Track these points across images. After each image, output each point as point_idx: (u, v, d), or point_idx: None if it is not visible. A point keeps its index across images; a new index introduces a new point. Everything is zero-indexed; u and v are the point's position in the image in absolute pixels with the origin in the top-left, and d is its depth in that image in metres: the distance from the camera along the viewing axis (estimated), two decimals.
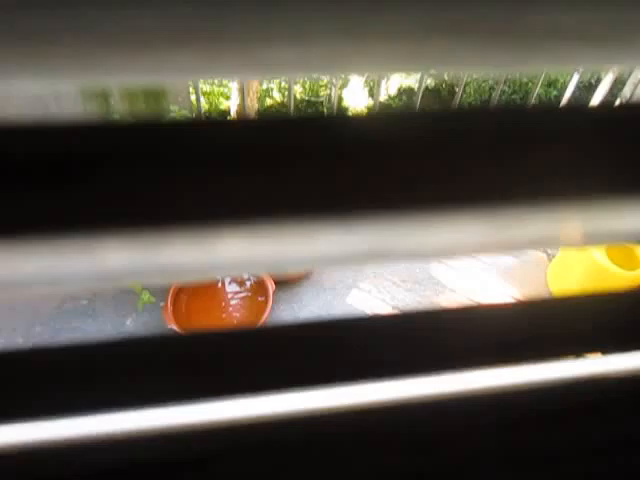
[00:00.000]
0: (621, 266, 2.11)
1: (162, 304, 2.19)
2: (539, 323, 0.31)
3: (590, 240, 0.26)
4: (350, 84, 5.05)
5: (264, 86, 4.83)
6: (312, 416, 0.32)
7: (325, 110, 4.79)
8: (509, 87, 4.70)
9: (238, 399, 0.28)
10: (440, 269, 2.52)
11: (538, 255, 2.61)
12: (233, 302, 2.32)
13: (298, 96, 4.90)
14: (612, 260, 2.14)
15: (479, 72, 0.21)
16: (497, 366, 0.30)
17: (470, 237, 0.24)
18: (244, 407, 0.30)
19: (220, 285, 2.38)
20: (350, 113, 0.25)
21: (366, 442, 0.33)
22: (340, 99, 4.89)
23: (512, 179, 0.24)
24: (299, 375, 0.27)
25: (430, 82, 4.81)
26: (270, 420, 0.30)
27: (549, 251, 2.60)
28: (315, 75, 0.20)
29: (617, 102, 0.25)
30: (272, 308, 2.11)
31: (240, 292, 2.35)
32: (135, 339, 0.27)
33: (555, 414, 0.37)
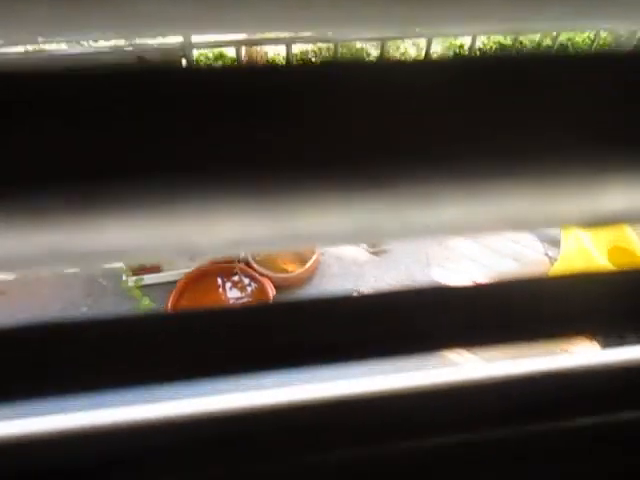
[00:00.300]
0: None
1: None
2: (537, 301, 0.30)
3: (593, 221, 0.25)
4: None
5: None
6: (285, 408, 0.31)
7: None
8: None
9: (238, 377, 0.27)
10: (442, 273, 2.51)
11: (539, 258, 2.60)
12: None
13: None
14: (613, 263, 2.14)
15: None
16: (493, 345, 0.29)
17: (458, 214, 0.22)
18: (202, 403, 0.30)
19: (221, 291, 2.38)
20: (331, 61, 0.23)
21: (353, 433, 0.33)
22: None
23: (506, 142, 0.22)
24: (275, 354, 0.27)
25: None
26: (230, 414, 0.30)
27: (550, 254, 2.60)
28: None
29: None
30: None
31: (241, 297, 2.35)
32: (133, 317, 0.26)
33: (551, 406, 0.36)
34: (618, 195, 0.23)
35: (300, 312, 0.27)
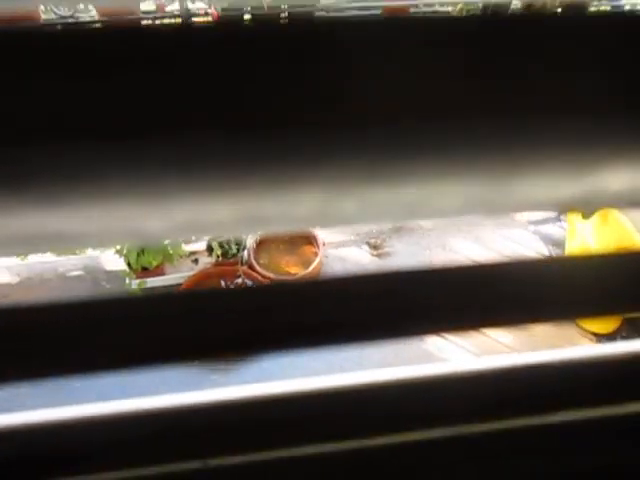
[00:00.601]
0: None
1: None
2: (550, 281, 0.29)
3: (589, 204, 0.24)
4: None
5: None
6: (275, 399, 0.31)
7: None
8: None
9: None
10: None
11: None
12: None
13: None
14: None
15: None
16: (508, 324, 0.28)
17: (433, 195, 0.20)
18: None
19: None
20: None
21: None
22: None
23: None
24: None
25: None
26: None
27: (554, 255, 2.58)
28: None
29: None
30: None
31: None
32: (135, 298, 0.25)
33: (545, 399, 0.36)
34: (599, 178, 0.22)
35: (299, 294, 0.27)
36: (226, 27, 0.18)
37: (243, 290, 0.29)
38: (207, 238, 2.37)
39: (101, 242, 0.21)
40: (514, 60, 0.20)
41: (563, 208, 0.23)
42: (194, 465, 0.30)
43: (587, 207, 0.23)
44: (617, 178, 0.22)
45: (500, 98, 0.20)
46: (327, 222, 0.20)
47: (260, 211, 0.20)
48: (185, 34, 0.18)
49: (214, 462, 0.30)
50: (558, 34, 0.20)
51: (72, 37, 0.17)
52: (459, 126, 0.19)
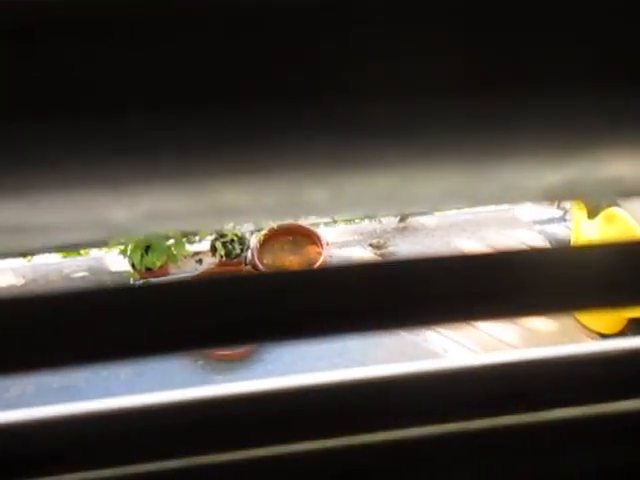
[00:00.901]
0: None
1: None
2: (559, 272, 0.28)
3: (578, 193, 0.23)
4: None
5: None
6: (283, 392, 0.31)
7: None
8: None
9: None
10: None
11: None
12: None
13: None
14: None
15: None
16: (508, 315, 0.28)
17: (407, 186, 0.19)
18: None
19: None
20: None
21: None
22: None
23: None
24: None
25: None
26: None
27: None
28: None
29: None
30: None
31: None
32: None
33: (545, 396, 0.36)
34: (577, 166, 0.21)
35: (312, 281, 0.26)
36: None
37: (245, 278, 0.29)
38: (210, 239, 2.37)
39: (63, 234, 0.20)
40: (499, 36, 0.18)
41: (549, 197, 0.23)
42: (176, 464, 0.30)
43: (574, 196, 0.23)
44: (605, 166, 0.22)
45: (483, 78, 0.18)
46: (298, 212, 0.20)
47: (228, 201, 0.19)
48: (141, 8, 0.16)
49: (198, 460, 0.30)
50: (544, 7, 0.18)
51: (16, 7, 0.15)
52: (438, 109, 0.18)
